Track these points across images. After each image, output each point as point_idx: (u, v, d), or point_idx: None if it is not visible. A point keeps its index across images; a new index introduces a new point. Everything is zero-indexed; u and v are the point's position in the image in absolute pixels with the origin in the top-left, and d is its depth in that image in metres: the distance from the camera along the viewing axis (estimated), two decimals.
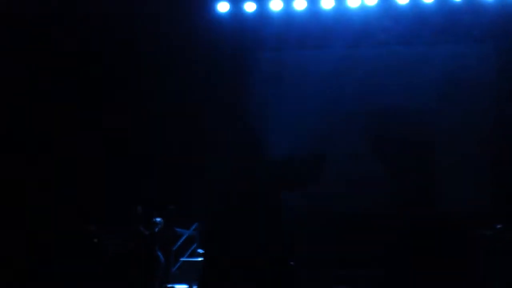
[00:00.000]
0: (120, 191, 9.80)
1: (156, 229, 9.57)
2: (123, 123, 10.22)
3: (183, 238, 10.32)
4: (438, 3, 9.89)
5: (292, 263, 5.94)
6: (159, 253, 9.29)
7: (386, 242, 8.37)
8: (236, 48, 10.58)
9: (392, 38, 10.03)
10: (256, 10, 10.36)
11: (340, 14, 10.12)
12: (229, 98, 10.67)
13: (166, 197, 9.86)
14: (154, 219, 9.57)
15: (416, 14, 9.92)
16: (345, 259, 9.39)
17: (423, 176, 6.20)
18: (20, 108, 9.61)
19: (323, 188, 9.83)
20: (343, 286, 9.34)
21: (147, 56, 10.58)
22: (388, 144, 6.50)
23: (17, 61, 9.74)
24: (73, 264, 8.79)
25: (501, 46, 9.57)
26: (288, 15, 10.27)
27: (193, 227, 10.41)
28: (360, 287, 9.24)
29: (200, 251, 9.96)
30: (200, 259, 9.34)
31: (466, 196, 9.02)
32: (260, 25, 10.35)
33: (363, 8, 10.07)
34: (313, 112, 10.23)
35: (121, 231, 9.25)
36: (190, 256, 10.38)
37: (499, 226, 8.25)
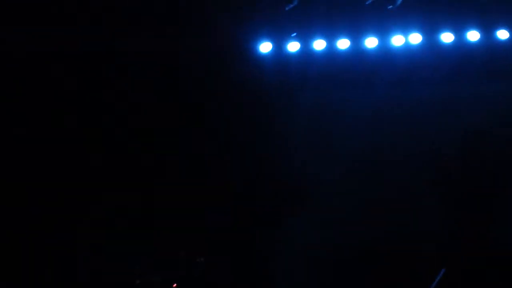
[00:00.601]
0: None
1: None
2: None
3: None
4: (483, 42, 9.82)
5: None
6: None
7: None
8: (279, 88, 10.53)
9: (437, 77, 9.97)
10: (299, 49, 10.29)
11: (384, 53, 10.05)
12: (270, 139, 10.63)
13: None
14: None
15: (461, 53, 9.85)
16: None
17: (481, 211, 6.07)
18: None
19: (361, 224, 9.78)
20: None
21: (187, 97, 10.56)
22: (444, 182, 6.40)
23: None
24: None
25: None
26: (331, 54, 10.20)
27: None
28: None
29: None
30: None
31: None
32: (303, 65, 10.29)
33: (407, 46, 9.99)
34: (358, 151, 10.16)
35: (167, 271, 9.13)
36: None
37: None
